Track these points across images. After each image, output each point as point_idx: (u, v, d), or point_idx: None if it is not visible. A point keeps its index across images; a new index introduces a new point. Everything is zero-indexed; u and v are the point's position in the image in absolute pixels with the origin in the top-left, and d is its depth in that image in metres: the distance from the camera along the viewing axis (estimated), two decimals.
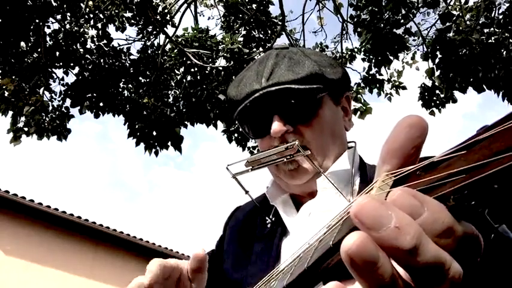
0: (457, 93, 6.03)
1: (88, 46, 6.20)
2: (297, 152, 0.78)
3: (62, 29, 5.99)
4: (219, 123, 6.21)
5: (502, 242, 0.29)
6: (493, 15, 6.10)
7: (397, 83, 7.37)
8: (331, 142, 0.84)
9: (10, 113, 5.71)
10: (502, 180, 0.25)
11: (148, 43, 6.80)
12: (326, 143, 0.84)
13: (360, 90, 7.06)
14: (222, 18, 7.51)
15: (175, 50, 6.47)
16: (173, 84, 6.63)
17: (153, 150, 6.03)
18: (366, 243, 0.27)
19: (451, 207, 0.27)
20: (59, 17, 5.89)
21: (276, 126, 0.80)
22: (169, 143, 6.05)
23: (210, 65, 6.25)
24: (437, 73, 6.14)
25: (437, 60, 5.92)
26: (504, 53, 5.66)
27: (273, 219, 0.88)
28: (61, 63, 6.02)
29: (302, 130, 0.82)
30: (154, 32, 6.76)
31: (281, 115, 0.81)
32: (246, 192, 0.88)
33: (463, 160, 0.26)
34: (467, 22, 6.16)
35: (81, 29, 6.19)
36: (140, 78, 6.49)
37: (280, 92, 0.81)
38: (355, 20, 6.45)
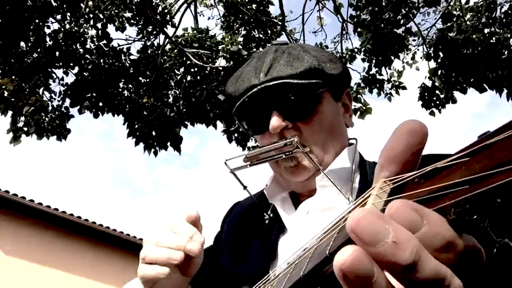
0: (460, 93, 6.01)
1: (88, 46, 6.20)
2: (296, 149, 0.77)
3: (62, 29, 5.98)
4: (218, 123, 6.20)
5: (505, 255, 0.28)
6: (494, 15, 6.09)
7: (397, 83, 7.36)
8: (330, 139, 0.83)
9: (10, 113, 5.72)
10: (504, 194, 0.23)
11: (148, 43, 6.80)
12: (325, 140, 0.82)
13: (360, 90, 7.05)
14: (222, 18, 7.50)
15: (175, 50, 6.46)
16: (173, 84, 6.62)
17: (153, 150, 6.03)
18: (360, 259, 0.26)
19: (451, 221, 0.26)
20: (58, 17, 5.88)
21: (275, 121, 0.79)
22: (168, 143, 6.05)
23: (210, 65, 6.24)
24: (439, 73, 6.13)
25: (439, 60, 5.91)
26: (506, 52, 5.65)
27: (271, 215, 0.87)
28: (61, 63, 6.01)
29: (301, 127, 0.81)
30: (154, 32, 6.75)
31: (280, 111, 0.80)
32: (245, 187, 0.87)
33: (464, 169, 0.25)
34: (468, 22, 6.15)
35: (81, 29, 6.18)
36: (140, 78, 6.49)
37: (279, 87, 0.80)
38: (355, 20, 6.44)
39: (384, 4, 5.98)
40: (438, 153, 0.70)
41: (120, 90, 6.28)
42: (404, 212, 0.27)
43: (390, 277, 0.27)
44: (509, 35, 5.84)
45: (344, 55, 7.46)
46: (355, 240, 0.27)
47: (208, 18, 9.86)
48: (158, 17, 6.52)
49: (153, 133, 6.00)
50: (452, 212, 0.26)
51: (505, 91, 5.63)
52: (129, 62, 6.47)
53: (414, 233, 0.26)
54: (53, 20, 5.88)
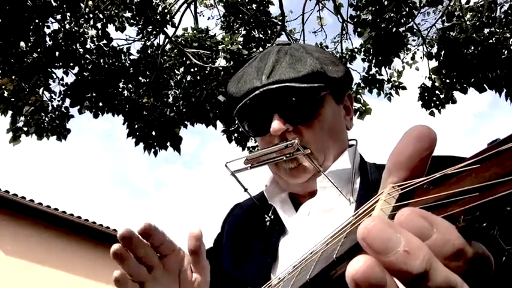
0: (460, 93, 6.00)
1: (88, 46, 6.19)
2: (296, 151, 0.78)
3: (62, 29, 5.97)
4: (218, 123, 6.20)
5: None
6: (494, 15, 6.09)
7: (397, 83, 7.36)
8: (332, 142, 0.83)
9: (10, 112, 5.71)
10: None
11: (148, 43, 6.79)
12: (326, 143, 0.82)
13: (360, 90, 7.04)
14: (222, 18, 7.50)
15: (175, 50, 6.45)
16: (173, 84, 6.61)
17: (152, 150, 6.03)
18: (373, 268, 0.26)
19: (461, 228, 0.26)
20: (58, 17, 5.87)
21: (276, 124, 0.79)
22: (168, 143, 6.04)
23: (210, 65, 6.23)
24: (441, 71, 6.12)
25: (441, 59, 5.90)
26: (506, 52, 5.65)
27: (272, 217, 0.87)
28: (61, 63, 6.00)
29: (302, 130, 0.81)
30: (154, 32, 6.74)
31: (281, 114, 0.80)
32: (245, 189, 0.87)
33: (474, 176, 0.25)
34: (468, 22, 6.14)
35: (81, 29, 6.17)
36: (140, 78, 6.48)
37: (281, 90, 0.79)
38: (355, 20, 6.42)
39: (385, 4, 5.96)
40: (448, 155, 0.70)
41: (120, 90, 6.27)
42: (414, 219, 0.27)
43: (401, 286, 0.27)
44: (509, 35, 5.84)
45: (344, 55, 7.45)
46: (366, 249, 0.27)
47: (208, 18, 9.85)
48: (158, 17, 6.52)
49: (153, 133, 6.00)
50: (462, 219, 0.26)
51: (505, 91, 5.63)
52: (129, 62, 6.46)
53: (424, 241, 0.26)
54: (53, 20, 5.87)
